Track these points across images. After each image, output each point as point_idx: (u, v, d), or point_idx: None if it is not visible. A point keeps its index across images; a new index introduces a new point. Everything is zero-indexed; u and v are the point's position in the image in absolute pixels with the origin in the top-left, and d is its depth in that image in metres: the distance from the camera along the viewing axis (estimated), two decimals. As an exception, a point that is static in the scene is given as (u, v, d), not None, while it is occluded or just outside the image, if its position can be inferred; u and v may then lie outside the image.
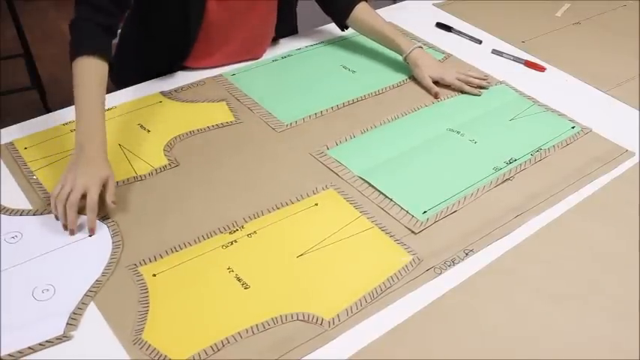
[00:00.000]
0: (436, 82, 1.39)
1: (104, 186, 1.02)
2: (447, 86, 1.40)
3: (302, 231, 1.02)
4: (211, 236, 1.01)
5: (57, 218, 1.01)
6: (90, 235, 0.99)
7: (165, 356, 0.83)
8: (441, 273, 0.96)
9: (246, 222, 1.03)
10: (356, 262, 0.98)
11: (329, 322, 0.88)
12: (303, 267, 0.96)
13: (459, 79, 1.39)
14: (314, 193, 1.09)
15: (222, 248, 0.98)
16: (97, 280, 0.92)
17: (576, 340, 0.88)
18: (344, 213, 1.06)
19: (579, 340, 0.87)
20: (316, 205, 1.07)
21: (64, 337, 0.84)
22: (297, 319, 0.88)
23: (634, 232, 1.05)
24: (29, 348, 0.83)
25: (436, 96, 1.38)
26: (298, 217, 1.05)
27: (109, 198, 1.02)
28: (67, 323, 0.86)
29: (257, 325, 0.87)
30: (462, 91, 1.39)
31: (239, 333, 0.86)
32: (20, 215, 1.03)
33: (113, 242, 0.99)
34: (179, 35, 1.34)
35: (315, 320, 0.88)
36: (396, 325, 0.88)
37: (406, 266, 0.96)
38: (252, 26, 1.41)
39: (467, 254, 0.99)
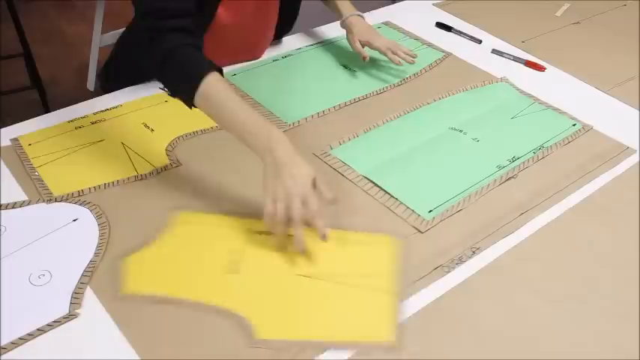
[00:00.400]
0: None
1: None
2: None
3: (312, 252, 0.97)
4: None
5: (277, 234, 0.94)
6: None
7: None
8: (449, 272, 0.96)
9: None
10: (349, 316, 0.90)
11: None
12: (302, 287, 0.92)
13: (388, 47, 1.41)
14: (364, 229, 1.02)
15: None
16: (90, 261, 0.94)
17: (576, 340, 0.88)
18: (377, 264, 0.96)
19: (579, 340, 0.88)
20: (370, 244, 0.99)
21: (70, 316, 0.86)
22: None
23: (634, 232, 1.05)
24: (38, 330, 0.84)
25: (364, 59, 1.41)
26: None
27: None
28: (71, 302, 0.87)
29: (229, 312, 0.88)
30: (388, 57, 1.42)
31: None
32: (5, 209, 1.03)
33: (98, 223, 1.00)
34: None
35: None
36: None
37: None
38: (256, 29, 1.41)
39: (474, 252, 1.00)
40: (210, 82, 0.99)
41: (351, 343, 0.85)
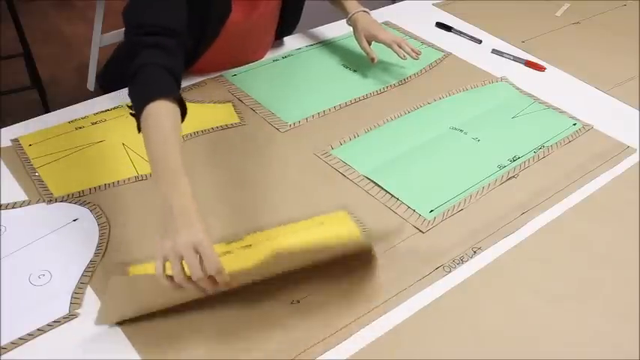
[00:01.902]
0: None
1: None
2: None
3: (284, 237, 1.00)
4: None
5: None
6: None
7: None
8: (450, 271, 0.96)
9: (247, 234, 1.01)
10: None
11: None
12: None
13: (394, 41, 1.40)
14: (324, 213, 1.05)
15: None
16: (90, 261, 0.94)
17: (576, 340, 0.88)
18: (340, 223, 1.02)
19: (579, 340, 0.88)
20: (322, 224, 1.03)
21: (70, 316, 0.86)
22: None
23: (634, 232, 1.05)
24: (38, 330, 0.84)
25: (372, 61, 1.40)
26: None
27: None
28: (71, 302, 0.87)
29: None
30: (393, 50, 1.41)
31: None
32: (5, 209, 1.03)
33: (98, 224, 1.00)
34: (191, 48, 1.27)
35: None
36: (395, 325, 0.88)
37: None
38: (261, 30, 1.41)
39: (475, 252, 1.00)
40: (154, 107, 0.92)
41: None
